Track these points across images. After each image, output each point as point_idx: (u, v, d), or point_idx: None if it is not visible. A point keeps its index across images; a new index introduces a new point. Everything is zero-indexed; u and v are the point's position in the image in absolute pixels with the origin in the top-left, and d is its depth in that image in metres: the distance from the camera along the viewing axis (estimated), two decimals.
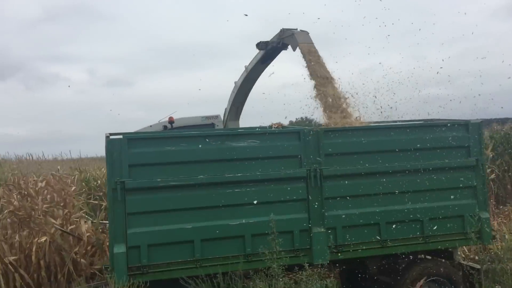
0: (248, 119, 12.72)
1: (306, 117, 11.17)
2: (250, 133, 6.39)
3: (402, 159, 6.50)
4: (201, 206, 5.83)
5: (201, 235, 5.75)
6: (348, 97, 7.86)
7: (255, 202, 5.94)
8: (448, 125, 6.81)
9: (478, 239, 6.52)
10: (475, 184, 6.74)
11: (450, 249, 6.96)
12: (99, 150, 18.73)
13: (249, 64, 11.08)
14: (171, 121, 10.45)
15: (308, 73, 8.35)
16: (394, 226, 6.36)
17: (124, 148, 5.69)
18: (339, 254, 6.16)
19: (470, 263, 7.22)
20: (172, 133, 7.27)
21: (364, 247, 6.25)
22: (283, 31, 9.60)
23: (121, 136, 5.90)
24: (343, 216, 6.20)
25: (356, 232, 6.23)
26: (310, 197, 6.09)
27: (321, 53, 8.68)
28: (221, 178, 5.91)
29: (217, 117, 11.42)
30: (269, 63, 10.83)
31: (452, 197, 6.61)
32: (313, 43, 8.96)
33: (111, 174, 5.68)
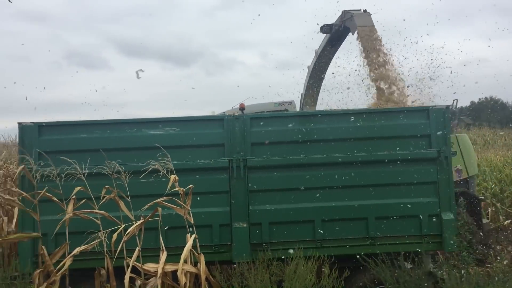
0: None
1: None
2: (170, 120, 6.08)
3: (344, 150, 5.95)
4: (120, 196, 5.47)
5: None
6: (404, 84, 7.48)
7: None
8: (405, 111, 6.19)
9: (438, 244, 5.84)
10: (437, 179, 5.97)
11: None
12: None
13: (318, 48, 10.82)
14: (242, 107, 10.08)
15: (363, 57, 8.02)
16: (332, 225, 5.83)
17: (35, 135, 5.75)
18: (267, 253, 5.70)
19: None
20: (84, 120, 6.27)
21: (295, 246, 5.75)
22: (344, 13, 9.21)
23: (32, 123, 5.90)
24: (271, 211, 5.83)
25: (286, 229, 5.80)
26: (231, 189, 5.75)
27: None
28: (136, 167, 5.69)
29: (290, 103, 10.93)
30: (339, 46, 10.50)
31: (406, 193, 5.94)
32: (373, 25, 8.52)
33: (21, 160, 5.70)
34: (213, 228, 5.73)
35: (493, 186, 11.84)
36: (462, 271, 6.15)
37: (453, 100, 9.91)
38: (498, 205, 11.21)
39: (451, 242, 5.84)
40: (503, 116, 51.91)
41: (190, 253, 5.36)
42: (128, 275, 5.24)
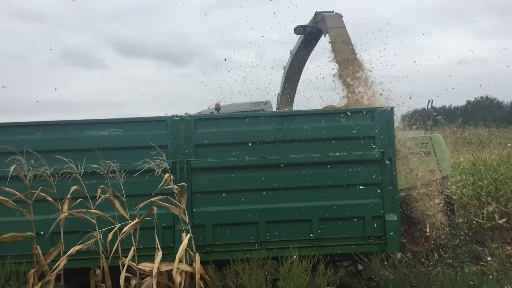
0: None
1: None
2: (113, 121, 6.08)
3: (289, 151, 5.96)
4: (54, 198, 5.48)
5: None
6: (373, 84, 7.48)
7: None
8: (350, 113, 6.19)
9: (382, 245, 5.83)
10: (381, 181, 5.99)
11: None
12: None
13: (294, 48, 10.82)
14: (217, 107, 10.07)
15: (333, 58, 8.02)
16: (276, 226, 5.83)
17: None
18: (211, 255, 5.69)
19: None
20: (25, 122, 6.14)
21: (239, 248, 5.73)
22: (316, 14, 9.19)
23: None
24: (215, 213, 5.83)
25: (231, 231, 5.79)
26: (176, 191, 5.65)
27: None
28: (84, 169, 5.66)
29: (266, 103, 10.90)
30: (313, 47, 10.49)
31: (350, 195, 5.95)
32: (344, 28, 8.49)
33: None
34: (157, 230, 5.59)
35: (488, 185, 11.86)
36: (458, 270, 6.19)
37: (428, 101, 9.99)
38: (494, 204, 11.24)
39: (394, 243, 5.86)
40: (498, 115, 52.14)
41: (186, 253, 5.37)
42: (123, 274, 5.24)
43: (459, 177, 12.80)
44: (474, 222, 10.79)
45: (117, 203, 5.44)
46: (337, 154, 5.95)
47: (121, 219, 5.42)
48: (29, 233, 5.45)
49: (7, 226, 5.67)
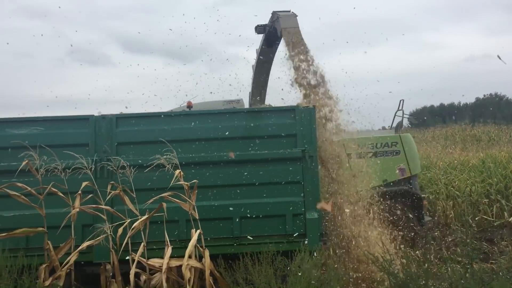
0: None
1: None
2: (34, 120, 6.07)
3: (211, 149, 5.94)
4: None
5: None
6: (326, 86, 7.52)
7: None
8: (272, 111, 6.23)
9: (302, 243, 5.74)
10: (302, 179, 5.96)
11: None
12: None
13: (259, 47, 10.86)
14: (189, 105, 9.93)
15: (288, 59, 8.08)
16: (197, 225, 5.61)
17: None
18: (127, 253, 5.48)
19: None
20: None
21: (159, 246, 5.57)
22: (273, 14, 9.22)
23: None
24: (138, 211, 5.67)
25: (152, 229, 5.61)
26: (98, 189, 5.67)
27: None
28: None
29: (238, 101, 10.71)
30: (277, 46, 10.52)
31: (272, 193, 5.92)
32: (298, 27, 8.49)
33: None
34: (76, 229, 5.56)
35: (498, 182, 11.78)
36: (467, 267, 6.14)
37: (400, 101, 10.04)
38: (503, 201, 11.17)
39: (315, 240, 5.84)
40: (508, 112, 51.69)
41: (195, 248, 5.40)
42: (133, 270, 5.28)
43: (467, 175, 12.74)
44: (484, 219, 10.76)
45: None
46: (258, 152, 5.95)
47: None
48: (40, 229, 5.51)
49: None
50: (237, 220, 5.91)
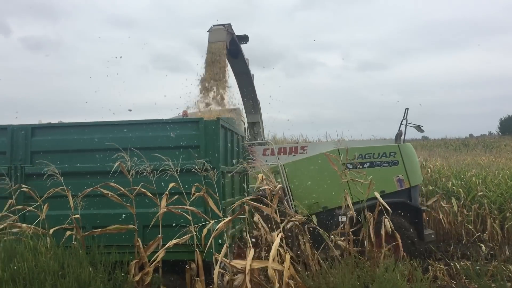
0: None
1: None
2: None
3: (116, 160, 5.92)
4: None
5: None
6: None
7: None
8: (175, 123, 6.42)
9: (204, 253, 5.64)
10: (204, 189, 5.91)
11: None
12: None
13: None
14: (184, 114, 9.98)
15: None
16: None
17: None
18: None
19: None
20: None
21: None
22: (211, 27, 9.50)
23: None
24: (48, 217, 5.84)
25: (57, 236, 5.70)
26: (13, 196, 5.92)
27: None
28: None
29: (235, 110, 10.67)
30: (242, 57, 10.75)
31: (174, 203, 5.84)
32: (224, 41, 8.83)
33: None
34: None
35: None
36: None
37: (405, 109, 9.93)
38: None
39: (216, 251, 5.67)
40: None
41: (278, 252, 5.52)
42: (217, 270, 5.46)
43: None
44: None
45: None
46: (161, 162, 5.97)
47: None
48: (131, 226, 5.80)
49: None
50: (141, 228, 5.99)
